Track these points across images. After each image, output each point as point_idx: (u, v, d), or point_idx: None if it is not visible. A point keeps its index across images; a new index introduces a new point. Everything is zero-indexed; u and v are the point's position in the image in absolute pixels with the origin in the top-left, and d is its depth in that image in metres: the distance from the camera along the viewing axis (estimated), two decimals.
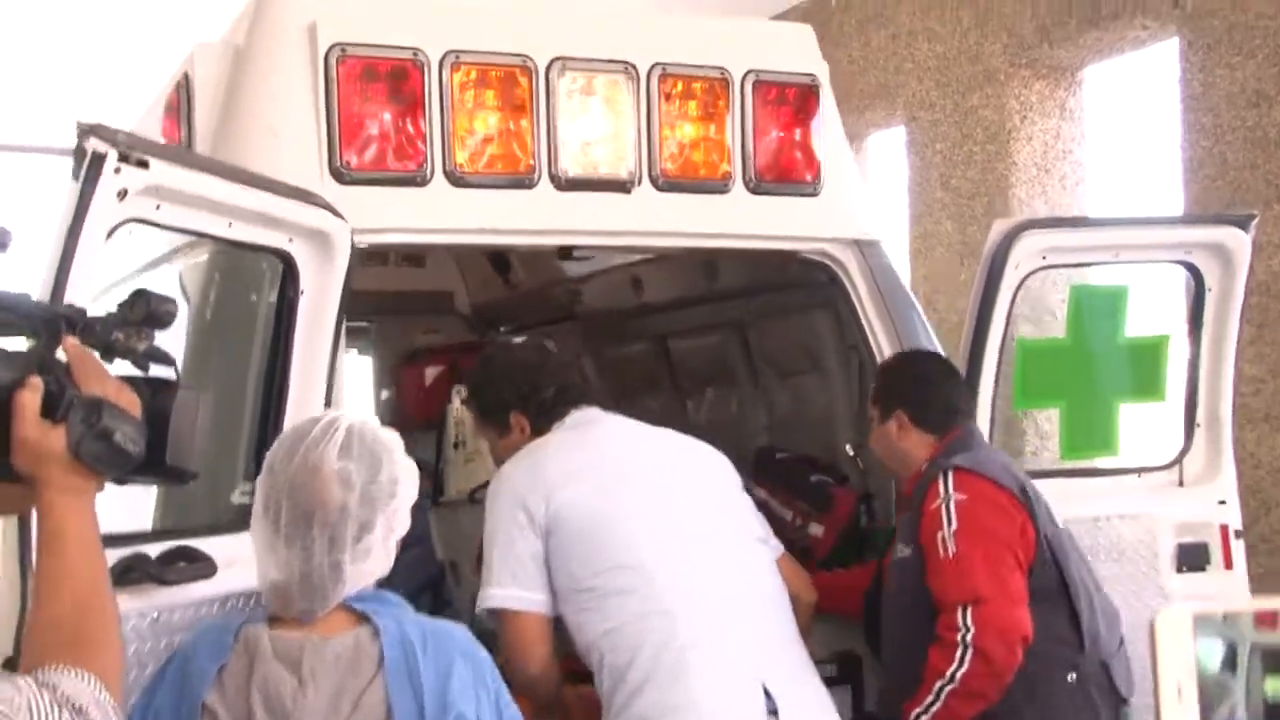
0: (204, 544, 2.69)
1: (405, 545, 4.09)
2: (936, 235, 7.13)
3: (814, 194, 4.10)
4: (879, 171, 8.24)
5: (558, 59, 3.76)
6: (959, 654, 3.13)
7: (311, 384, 3.09)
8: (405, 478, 2.34)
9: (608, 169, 3.83)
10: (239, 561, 2.85)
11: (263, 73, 3.56)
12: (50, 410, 1.69)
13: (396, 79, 3.60)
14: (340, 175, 3.51)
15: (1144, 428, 4.28)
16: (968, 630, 3.13)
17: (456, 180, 3.63)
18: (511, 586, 3.00)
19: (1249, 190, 5.62)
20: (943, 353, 4.31)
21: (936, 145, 7.13)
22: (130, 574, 2.47)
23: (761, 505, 4.51)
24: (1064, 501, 3.93)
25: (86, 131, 2.29)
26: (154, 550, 2.61)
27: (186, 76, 3.71)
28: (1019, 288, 3.86)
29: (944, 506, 3.29)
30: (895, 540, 3.56)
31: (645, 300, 5.35)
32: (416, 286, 6.35)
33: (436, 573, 3.97)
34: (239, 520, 2.94)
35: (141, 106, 4.43)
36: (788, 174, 4.07)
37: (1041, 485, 4.01)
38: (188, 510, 3.03)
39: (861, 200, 4.31)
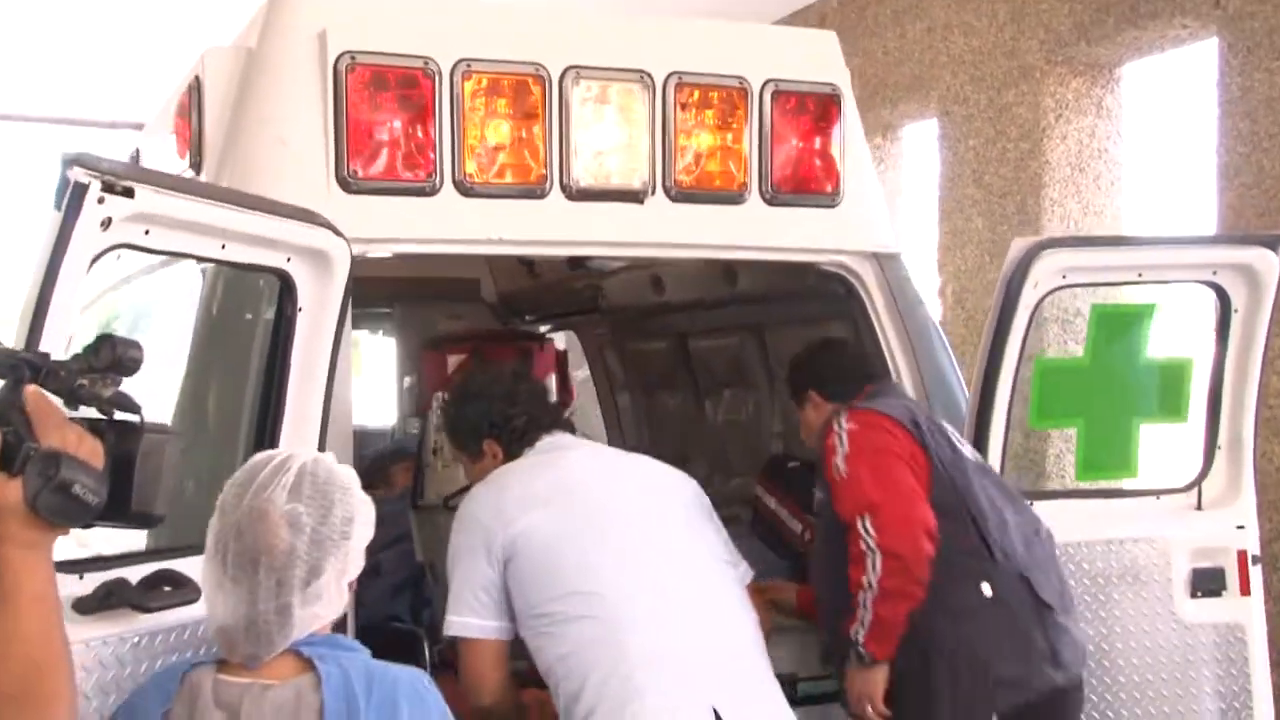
0: (189, 565, 2.67)
1: (393, 540, 4.15)
2: (967, 232, 7.03)
3: (832, 205, 4.05)
4: (911, 164, 8.12)
5: (571, 67, 3.72)
6: (869, 561, 3.27)
7: (309, 400, 3.07)
8: (360, 517, 2.31)
9: (620, 179, 3.80)
10: None
11: (272, 79, 3.54)
12: (7, 463, 1.69)
13: (406, 87, 3.56)
14: (347, 184, 3.49)
15: (1163, 450, 4.20)
16: (870, 536, 3.28)
17: (466, 190, 3.61)
18: (468, 615, 3.08)
19: None
20: (957, 366, 4.27)
21: (969, 141, 7.01)
22: (110, 599, 2.46)
23: (770, 514, 4.52)
24: (1078, 523, 3.91)
25: (70, 161, 2.28)
26: (137, 573, 2.60)
27: (198, 79, 3.70)
28: (1037, 307, 3.78)
29: (837, 439, 3.49)
30: None
31: (666, 299, 5.32)
32: (442, 273, 6.34)
33: (418, 571, 3.99)
34: None
35: (161, 99, 4.42)
36: (806, 185, 4.02)
37: (1055, 506, 3.99)
38: (185, 530, 3.03)
39: (881, 212, 4.24)
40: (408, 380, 6.64)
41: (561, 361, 6.60)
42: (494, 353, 6.39)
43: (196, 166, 3.68)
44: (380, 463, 5.76)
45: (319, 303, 3.05)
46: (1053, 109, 6.56)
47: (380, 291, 6.58)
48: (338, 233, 3.03)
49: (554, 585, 3.02)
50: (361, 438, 7.36)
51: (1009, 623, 3.34)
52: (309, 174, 3.47)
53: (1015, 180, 6.69)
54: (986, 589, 3.35)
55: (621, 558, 3.09)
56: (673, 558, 3.18)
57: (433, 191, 3.58)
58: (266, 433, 3.02)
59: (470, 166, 3.61)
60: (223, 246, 2.74)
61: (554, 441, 3.40)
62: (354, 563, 2.30)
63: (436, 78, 3.56)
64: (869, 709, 3.38)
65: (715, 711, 2.90)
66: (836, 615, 3.42)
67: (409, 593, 4.22)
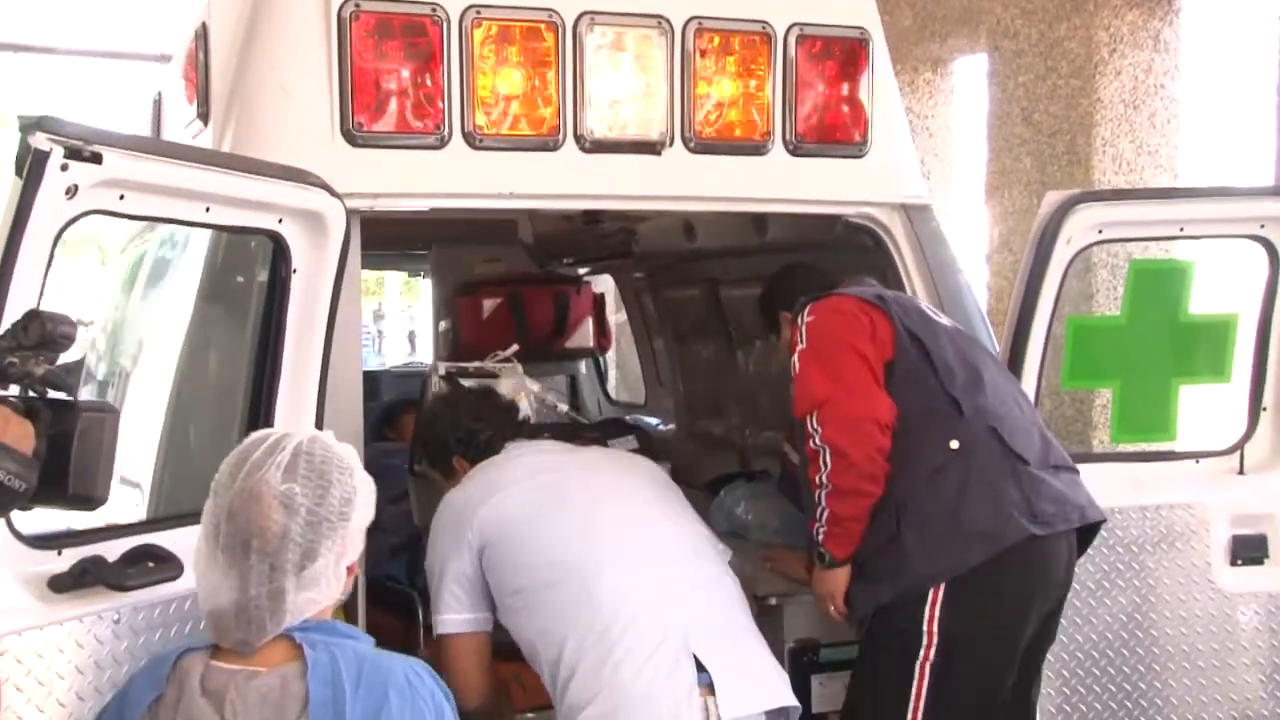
0: (175, 538, 2.62)
1: (394, 499, 4.13)
2: (1015, 172, 6.79)
3: (860, 155, 3.91)
4: (961, 101, 7.86)
5: (586, 13, 3.59)
6: (820, 458, 3.21)
7: (306, 364, 3.01)
8: (360, 498, 2.24)
9: (637, 130, 3.68)
10: None
11: (275, 27, 3.44)
12: None
13: (413, 35, 3.45)
14: (353, 137, 3.41)
15: (1205, 411, 4.04)
16: (817, 432, 3.21)
17: (476, 142, 3.51)
18: (448, 612, 3.13)
19: None
20: (986, 315, 4.11)
21: (1019, 77, 6.75)
22: (85, 578, 2.41)
23: (797, 471, 4.42)
24: (1113, 488, 3.76)
25: (31, 126, 2.18)
26: (120, 547, 2.55)
27: (204, 25, 3.61)
28: (1071, 263, 3.62)
29: (799, 333, 3.40)
30: None
31: (698, 246, 5.20)
32: (479, 215, 6.24)
33: (417, 531, 3.96)
34: None
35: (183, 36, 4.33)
36: (832, 134, 3.88)
37: (1089, 470, 3.83)
38: (177, 499, 2.99)
39: (911, 161, 4.09)
40: (443, 325, 6.57)
41: (599, 305, 6.54)
42: (529, 296, 6.34)
43: (204, 116, 3.60)
44: (392, 411, 5.72)
45: (314, 264, 2.97)
46: (1106, 43, 6.28)
47: (416, 233, 6.53)
48: (333, 192, 2.94)
49: (526, 559, 3.06)
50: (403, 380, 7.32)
51: (977, 473, 3.22)
52: (312, 127, 3.38)
53: (1065, 119, 6.44)
54: (954, 444, 3.25)
55: (589, 524, 3.13)
56: (641, 522, 3.21)
57: (441, 144, 3.48)
58: (262, 399, 2.96)
59: (480, 118, 3.51)
60: (207, 209, 2.65)
61: (521, 446, 3.45)
62: (353, 546, 2.24)
63: (444, 25, 3.45)
64: (830, 608, 3.35)
65: (696, 658, 2.91)
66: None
67: (406, 555, 4.18)
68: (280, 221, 2.87)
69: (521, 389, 4.35)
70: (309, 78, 3.40)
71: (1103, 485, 3.76)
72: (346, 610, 3.40)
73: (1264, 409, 3.88)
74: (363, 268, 4.39)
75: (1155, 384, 3.86)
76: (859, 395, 3.25)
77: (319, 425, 3.03)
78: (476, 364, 4.47)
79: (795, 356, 3.36)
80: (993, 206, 6.95)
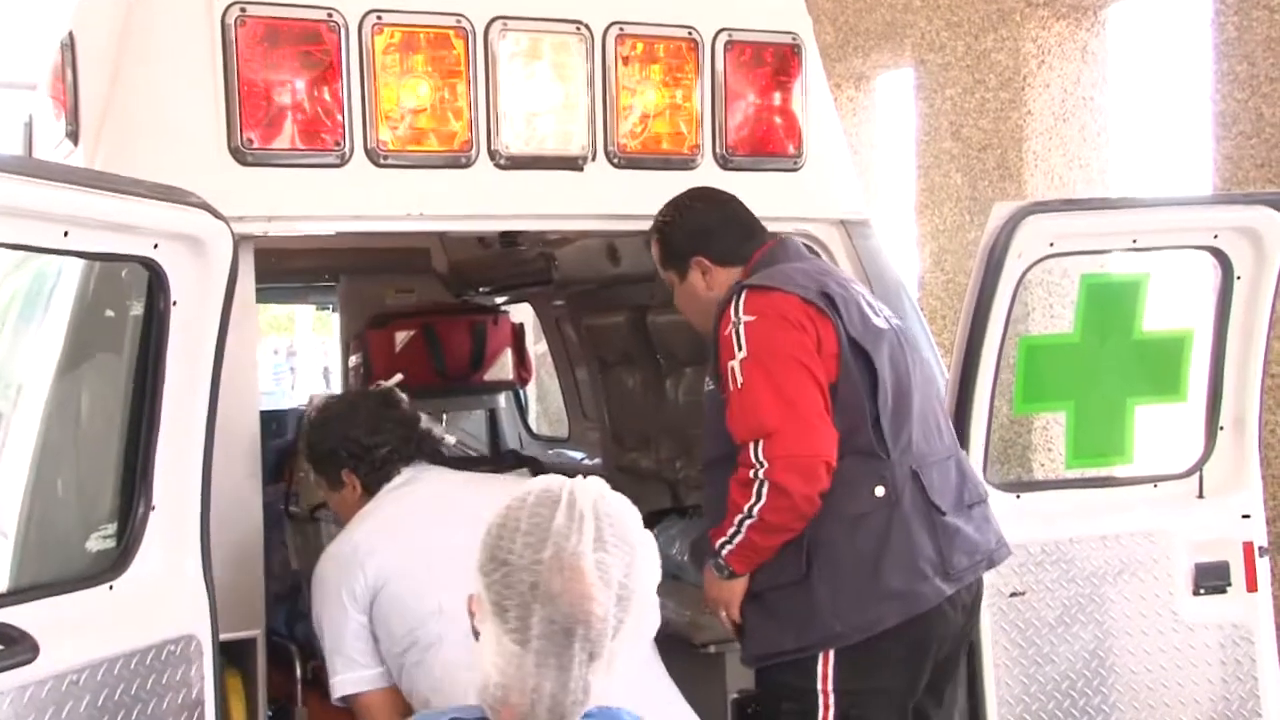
0: (31, 614, 2.29)
1: (271, 548, 3.87)
2: (945, 189, 6.63)
3: (794, 169, 3.72)
4: (886, 117, 7.71)
5: (498, 18, 3.38)
6: (755, 489, 2.95)
7: (191, 406, 2.68)
8: (654, 557, 1.89)
9: (556, 144, 3.47)
10: (87, 625, 2.48)
11: (150, 35, 3.17)
12: None
13: (308, 43, 3.21)
14: (242, 155, 3.15)
15: (1162, 432, 3.85)
16: (760, 466, 2.94)
17: (380, 160, 3.27)
18: (346, 671, 2.97)
19: None
20: (930, 333, 3.91)
21: (947, 91, 6.60)
22: None
23: None
24: (1068, 517, 3.58)
25: None
26: None
27: (71, 36, 3.28)
28: (1021, 279, 3.41)
29: (734, 332, 3.04)
30: None
31: (622, 271, 4.92)
32: (389, 243, 5.94)
33: (296, 579, 3.66)
34: (94, 571, 2.60)
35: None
36: (764, 146, 3.70)
37: (1042, 498, 3.65)
38: (44, 561, 2.64)
39: (848, 174, 3.88)
40: (354, 360, 6.23)
41: (518, 336, 6.28)
42: (444, 328, 6.05)
43: (74, 135, 3.28)
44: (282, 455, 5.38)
45: (197, 295, 2.65)
46: (1034, 55, 6.16)
47: (323, 263, 6.22)
48: (216, 214, 2.62)
49: (411, 613, 2.89)
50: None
51: (898, 525, 3.01)
52: (196, 144, 3.11)
53: (995, 133, 6.29)
54: (879, 490, 3.02)
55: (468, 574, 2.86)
56: None
57: (342, 162, 3.23)
58: (140, 446, 2.63)
59: (384, 133, 3.27)
60: (65, 234, 2.32)
61: (412, 474, 3.24)
62: (652, 618, 1.89)
63: (342, 32, 3.21)
64: (722, 615, 3.15)
65: None
66: (709, 514, 3.17)
67: (287, 604, 3.87)
68: (156, 247, 2.54)
69: None
70: (191, 90, 3.12)
71: (1058, 514, 3.59)
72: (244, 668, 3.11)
73: (1221, 428, 3.70)
74: (267, 302, 4.06)
75: (1110, 405, 3.67)
76: (812, 431, 2.94)
77: (206, 471, 2.72)
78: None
79: (737, 366, 3.00)
80: (923, 224, 6.78)
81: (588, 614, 1.79)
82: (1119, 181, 6.32)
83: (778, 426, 2.92)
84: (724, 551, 3.03)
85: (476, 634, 1.87)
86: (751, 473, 2.94)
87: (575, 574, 1.79)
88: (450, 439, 4.35)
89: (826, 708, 2.99)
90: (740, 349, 3.00)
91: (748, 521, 2.97)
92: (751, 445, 2.94)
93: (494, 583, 1.83)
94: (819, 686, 2.99)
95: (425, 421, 4.09)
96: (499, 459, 4.95)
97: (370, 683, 2.96)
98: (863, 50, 7.34)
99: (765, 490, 2.93)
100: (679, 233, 3.31)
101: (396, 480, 3.21)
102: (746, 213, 3.33)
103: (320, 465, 3.33)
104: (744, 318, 3.03)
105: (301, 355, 24.05)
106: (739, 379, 2.99)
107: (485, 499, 3.13)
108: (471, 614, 1.86)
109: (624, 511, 1.88)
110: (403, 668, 2.88)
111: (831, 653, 2.99)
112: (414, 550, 2.97)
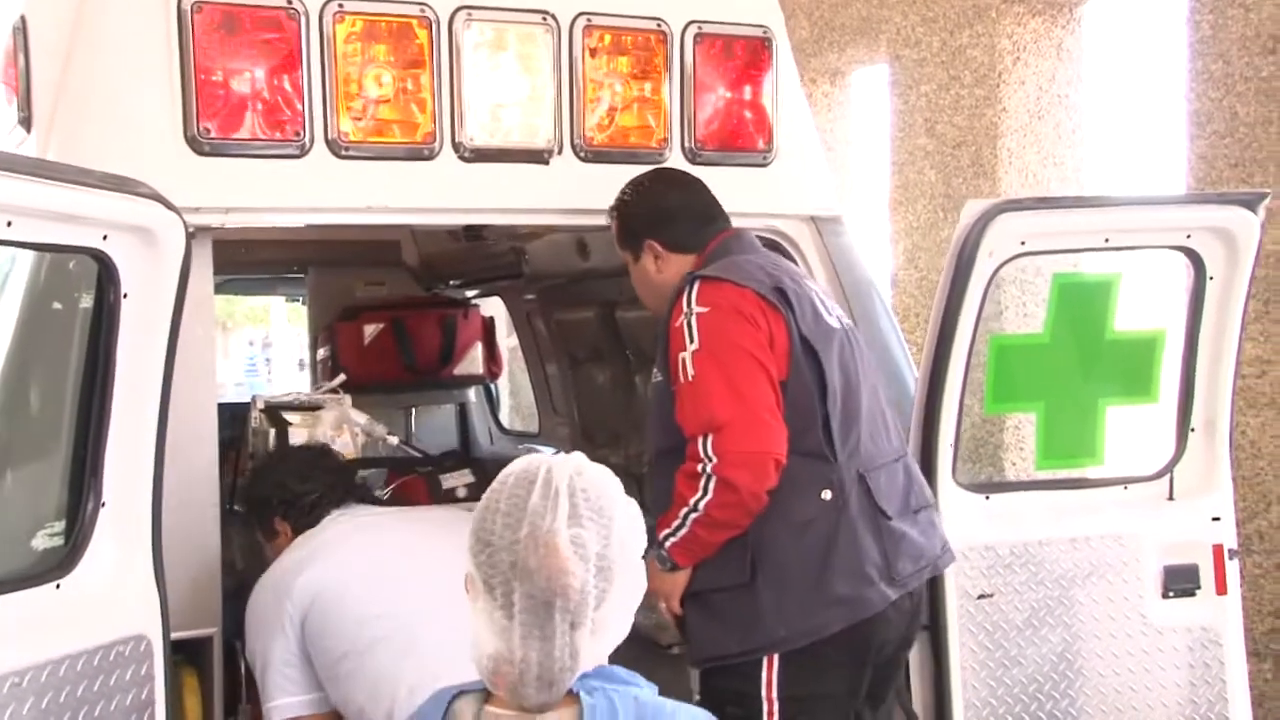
0: None
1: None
2: (919, 185, 6.60)
3: (764, 164, 3.67)
4: (861, 113, 7.67)
5: (463, 8, 3.32)
6: (702, 483, 2.90)
7: (141, 402, 2.62)
8: (639, 526, 1.99)
9: (522, 137, 3.40)
10: (33, 625, 2.42)
11: (105, 19, 3.08)
12: None
13: (267, 30, 3.13)
14: (199, 144, 3.07)
15: (1131, 434, 3.81)
16: (709, 460, 2.88)
17: (341, 151, 3.20)
18: (281, 696, 2.93)
19: (1260, 148, 5.08)
20: (900, 332, 3.88)
21: (921, 87, 6.56)
22: None
23: None
24: (1037, 519, 3.54)
25: None
26: None
27: (23, 20, 3.20)
28: (992, 278, 3.37)
29: (685, 323, 2.99)
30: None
31: (592, 265, 4.86)
32: (359, 235, 5.87)
33: (243, 578, 3.60)
34: (41, 569, 2.53)
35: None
36: (734, 141, 3.64)
37: (1011, 499, 3.61)
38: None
39: (820, 170, 3.83)
40: (322, 352, 6.15)
41: (489, 330, 6.22)
42: (414, 321, 5.99)
43: (26, 122, 3.21)
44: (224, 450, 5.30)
45: (149, 287, 2.58)
46: (1010, 51, 6.13)
47: (292, 255, 6.14)
48: (168, 204, 2.55)
49: (347, 621, 2.85)
50: None
51: (845, 529, 2.98)
52: (151, 133, 3.04)
53: (970, 129, 6.26)
54: (826, 494, 2.99)
55: (414, 574, 2.92)
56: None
57: (302, 153, 3.16)
58: (89, 442, 2.56)
59: (345, 124, 3.20)
60: (9, 224, 2.25)
61: (342, 514, 3.23)
62: (638, 583, 1.99)
63: (303, 19, 3.14)
64: (663, 607, 3.11)
65: None
66: (657, 507, 3.06)
67: (231, 602, 3.81)
68: (105, 239, 2.47)
69: (345, 422, 4.07)
70: (146, 77, 3.04)
71: (1027, 515, 3.55)
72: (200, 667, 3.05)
73: (1193, 429, 3.66)
74: (236, 293, 3.98)
75: (1081, 406, 3.63)
76: (763, 427, 2.89)
77: (159, 467, 2.66)
78: (301, 395, 4.19)
79: (688, 358, 2.95)
80: (896, 221, 6.74)
81: (565, 587, 1.89)
82: (1093, 180, 6.30)
83: (728, 420, 2.88)
84: (668, 543, 2.98)
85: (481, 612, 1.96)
86: (700, 467, 2.89)
87: (550, 550, 1.89)
88: (393, 439, 4.31)
89: (770, 714, 2.96)
90: (692, 341, 2.95)
91: (693, 515, 2.93)
92: (701, 439, 2.90)
93: (481, 563, 1.94)
94: (763, 693, 2.96)
95: (366, 424, 4.05)
96: (440, 458, 4.87)
97: (302, 708, 2.94)
98: (838, 45, 7.30)
99: (712, 485, 2.88)
100: (635, 213, 3.28)
101: (329, 518, 3.23)
102: (708, 197, 3.29)
103: (255, 514, 3.37)
104: (696, 309, 2.99)
105: (277, 346, 23.93)
106: (690, 371, 2.94)
107: (417, 524, 3.15)
108: (467, 591, 1.96)
109: (602, 484, 1.97)
110: (336, 678, 2.85)
111: (776, 657, 2.96)
112: (343, 563, 2.97)
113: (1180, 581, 3.61)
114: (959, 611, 3.43)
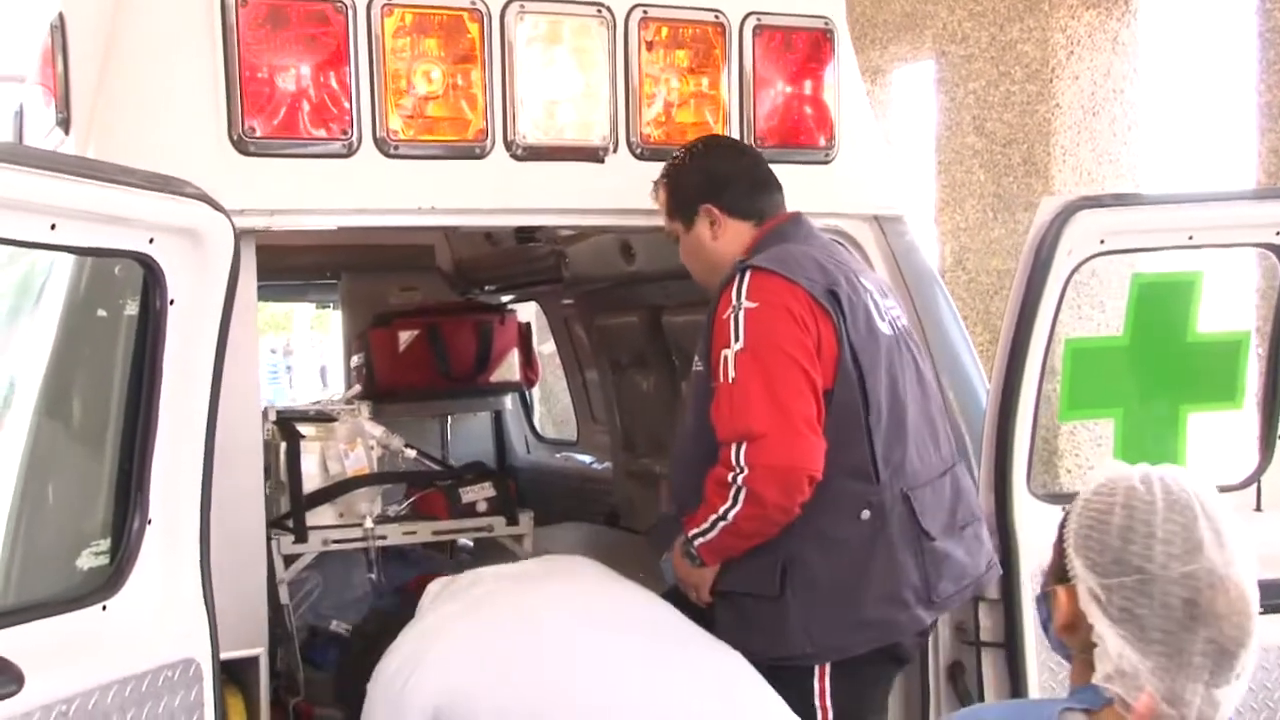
0: (16, 639, 2.10)
1: None
2: (967, 186, 6.45)
3: (826, 161, 3.55)
4: (904, 113, 7.53)
5: (515, 0, 3.14)
6: (732, 494, 2.83)
7: (189, 415, 2.50)
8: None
9: (576, 134, 3.29)
10: (78, 649, 2.29)
11: (147, 16, 2.98)
12: None
13: (314, 25, 3.03)
14: (244, 145, 2.96)
15: (1214, 441, 3.66)
16: (741, 471, 2.80)
17: (389, 150, 3.09)
18: None
19: None
20: (968, 335, 3.73)
21: (969, 84, 6.42)
22: None
23: None
24: None
25: None
26: None
27: (61, 17, 3.09)
28: (1069, 278, 3.21)
29: (733, 318, 2.88)
30: None
31: (637, 269, 4.74)
32: (392, 239, 5.76)
33: None
34: (86, 590, 2.42)
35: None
36: (794, 138, 3.52)
37: None
38: (31, 581, 2.44)
39: (883, 167, 3.69)
40: (355, 360, 6.04)
41: (525, 336, 6.10)
42: (449, 328, 5.88)
43: (65, 123, 3.09)
44: None
45: (196, 293, 2.46)
46: (1063, 45, 5.98)
47: (324, 260, 6.05)
48: (216, 206, 2.43)
49: None
50: None
51: (882, 550, 2.90)
52: (195, 133, 2.93)
53: (1021, 127, 6.12)
54: (865, 514, 2.90)
55: (559, 669, 2.65)
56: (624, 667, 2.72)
57: (349, 152, 3.05)
58: (135, 456, 2.44)
59: (394, 122, 3.09)
60: (52, 227, 2.13)
61: (447, 588, 2.94)
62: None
63: (350, 14, 3.02)
64: (693, 596, 3.06)
65: None
66: (682, 506, 3.03)
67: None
68: (151, 242, 2.35)
69: (359, 434, 3.94)
70: (190, 76, 2.94)
71: None
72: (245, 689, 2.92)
73: None
74: (266, 300, 3.86)
75: (1162, 412, 3.47)
76: (799, 439, 2.79)
77: (207, 482, 2.54)
78: (316, 407, 4.03)
79: (731, 357, 2.85)
80: (944, 222, 6.59)
81: (1248, 635, 1.78)
82: (1150, 178, 6.14)
83: (765, 432, 2.78)
84: (696, 543, 2.94)
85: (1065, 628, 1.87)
86: (730, 476, 2.81)
87: (1240, 595, 1.77)
88: (410, 451, 4.19)
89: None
90: (737, 339, 2.85)
91: (721, 523, 2.87)
92: (735, 446, 2.81)
93: (1119, 586, 1.79)
94: (816, 703, 2.92)
95: (382, 436, 3.90)
96: (461, 471, 4.75)
97: None
98: (880, 42, 7.16)
99: (742, 497, 2.82)
100: (689, 177, 3.16)
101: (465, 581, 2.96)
102: (764, 166, 3.20)
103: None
104: (746, 304, 2.89)
105: (298, 354, 23.88)
106: (731, 372, 2.84)
107: (539, 585, 2.92)
108: (1058, 606, 1.86)
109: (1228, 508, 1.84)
110: None
111: (828, 665, 2.93)
112: (460, 663, 2.67)
113: (1271, 597, 3.42)
114: (1037, 629, 3.28)
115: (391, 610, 3.80)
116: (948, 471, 3.06)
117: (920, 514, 2.93)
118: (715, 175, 3.13)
